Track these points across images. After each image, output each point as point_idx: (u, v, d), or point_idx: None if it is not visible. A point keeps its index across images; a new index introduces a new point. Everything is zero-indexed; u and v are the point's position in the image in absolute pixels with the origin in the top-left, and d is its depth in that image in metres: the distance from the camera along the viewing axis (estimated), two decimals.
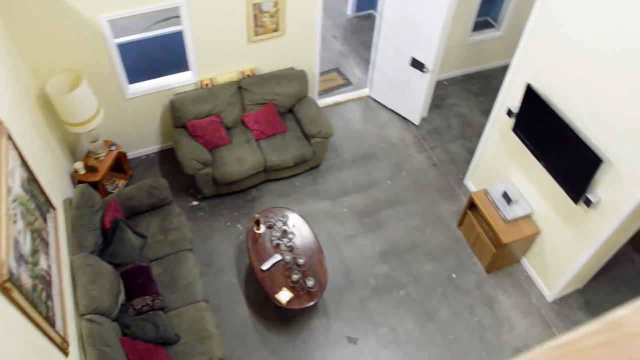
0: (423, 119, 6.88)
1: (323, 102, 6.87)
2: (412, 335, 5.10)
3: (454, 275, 5.51)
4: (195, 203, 5.86)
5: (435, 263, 5.59)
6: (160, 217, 5.26)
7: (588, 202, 4.46)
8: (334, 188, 6.11)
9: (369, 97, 7.04)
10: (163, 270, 5.00)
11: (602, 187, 4.34)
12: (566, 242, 4.97)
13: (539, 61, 4.67)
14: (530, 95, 4.75)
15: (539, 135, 4.81)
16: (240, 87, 5.85)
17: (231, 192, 5.89)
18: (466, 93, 7.33)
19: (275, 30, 5.67)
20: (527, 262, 5.61)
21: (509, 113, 5.13)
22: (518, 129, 5.05)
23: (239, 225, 5.72)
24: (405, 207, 6.00)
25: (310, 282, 4.83)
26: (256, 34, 5.61)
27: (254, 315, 5.15)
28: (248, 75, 5.89)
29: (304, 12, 5.69)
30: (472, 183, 6.12)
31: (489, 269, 5.51)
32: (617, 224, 4.34)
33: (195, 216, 5.76)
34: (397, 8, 5.98)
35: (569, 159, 4.51)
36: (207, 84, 5.76)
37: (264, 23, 5.54)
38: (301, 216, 5.32)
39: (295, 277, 4.85)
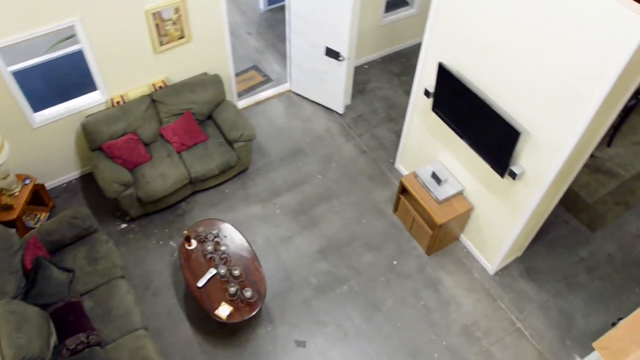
0: (347, 107, 6.79)
1: (244, 102, 6.69)
2: (360, 329, 5.04)
3: (395, 262, 5.47)
4: (124, 226, 5.62)
5: (375, 252, 5.53)
6: (86, 247, 5.03)
7: (513, 175, 4.47)
8: (265, 190, 5.97)
9: (290, 91, 6.90)
10: (95, 303, 4.78)
11: (525, 158, 4.35)
12: (499, 215, 4.98)
13: (448, 38, 4.63)
14: (443, 74, 4.71)
15: (458, 113, 4.78)
16: (153, 100, 5.62)
17: (160, 209, 5.69)
18: (388, 75, 7.26)
19: (181, 37, 5.45)
20: (465, 239, 5.61)
21: (427, 93, 5.06)
22: (437, 109, 5.01)
23: (172, 242, 5.52)
24: (339, 200, 5.92)
25: (248, 293, 4.70)
26: (161, 43, 5.38)
27: (198, 334, 4.99)
28: (160, 87, 5.65)
29: (208, 14, 5.48)
30: (403, 166, 6.07)
31: (429, 251, 5.48)
32: (543, 192, 4.38)
33: (126, 239, 5.53)
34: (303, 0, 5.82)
35: (489, 134, 4.49)
36: (118, 102, 5.50)
37: (167, 31, 5.31)
38: (233, 225, 5.18)
39: (232, 290, 4.72)
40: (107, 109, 5.48)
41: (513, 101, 4.20)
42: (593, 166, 6.08)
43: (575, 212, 5.84)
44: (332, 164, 6.23)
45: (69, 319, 4.61)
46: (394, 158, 6.27)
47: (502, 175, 4.57)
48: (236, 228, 5.50)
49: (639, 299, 5.28)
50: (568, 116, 3.77)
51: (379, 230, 5.71)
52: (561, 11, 3.47)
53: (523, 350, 4.96)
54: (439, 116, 5.00)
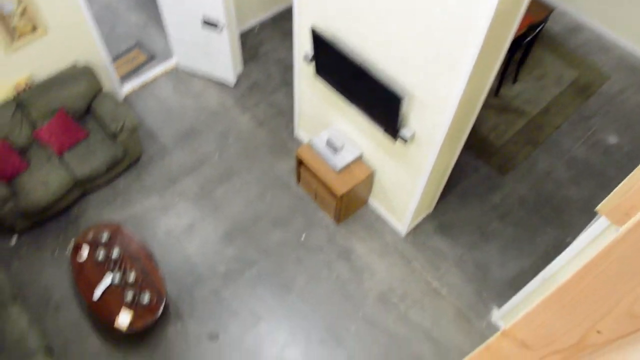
0: (240, 76, 6.37)
1: (129, 87, 6.23)
2: (275, 312, 4.89)
3: (303, 236, 5.24)
4: (14, 242, 5.24)
5: (283, 229, 5.30)
6: None
7: (404, 139, 4.19)
8: (161, 179, 5.63)
9: (177, 68, 6.37)
10: None
11: (414, 120, 4.18)
12: (400, 176, 4.78)
13: (318, 1, 4.19)
14: (317, 39, 4.35)
15: (340, 79, 4.50)
16: (19, 102, 5.10)
17: (49, 217, 5.29)
18: (280, 35, 6.80)
19: (34, 29, 4.89)
20: (374, 202, 5.39)
21: (308, 58, 4.67)
22: (320, 74, 4.64)
23: (68, 251, 5.15)
24: (241, 178, 5.62)
25: (146, 298, 4.43)
26: (13, 39, 4.83)
27: (106, 344, 4.78)
28: (25, 88, 5.12)
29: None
30: (303, 133, 5.73)
31: (338, 219, 5.28)
32: (437, 151, 4.22)
33: (19, 255, 5.19)
34: None
35: (373, 100, 4.27)
36: None
37: (16, 27, 4.75)
38: (130, 222, 4.87)
39: (129, 297, 4.44)
40: None
41: (392, 65, 3.97)
42: (500, 106, 5.86)
43: (485, 157, 5.64)
44: (230, 140, 5.87)
45: None
46: (293, 126, 5.89)
47: (394, 139, 4.29)
48: (131, 227, 5.19)
49: (550, 238, 5.20)
50: (446, 75, 3.57)
51: (285, 204, 5.44)
52: None
53: (441, 310, 4.86)
54: (324, 80, 4.64)
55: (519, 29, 5.39)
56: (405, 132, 4.23)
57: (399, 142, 4.47)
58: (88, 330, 4.84)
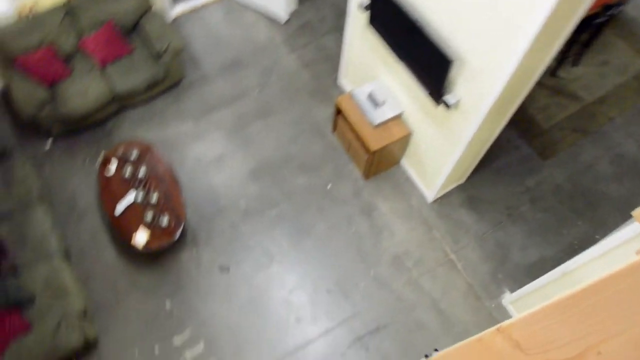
0: (293, 14, 6.19)
1: (180, 9, 6.16)
2: (288, 255, 4.92)
3: (329, 186, 5.19)
4: (48, 146, 5.36)
5: (310, 175, 5.25)
6: (0, 170, 4.75)
7: (447, 104, 4.05)
8: (199, 105, 5.61)
9: None
10: (10, 229, 4.66)
11: (460, 86, 4.03)
12: (437, 142, 4.67)
13: None
14: None
15: (393, 33, 4.34)
16: (69, 9, 5.10)
17: (86, 126, 5.38)
18: None
19: None
20: (406, 163, 5.28)
21: (363, 6, 4.49)
22: (374, 24, 4.47)
23: (97, 162, 5.23)
24: (277, 117, 5.55)
25: (164, 221, 4.48)
26: None
27: (121, 257, 4.90)
28: None
29: None
30: (347, 82, 5.60)
31: (367, 175, 5.20)
32: (480, 122, 4.07)
33: (51, 159, 5.30)
34: None
35: (423, 59, 4.13)
36: (27, 13, 4.96)
37: None
38: (163, 143, 4.89)
39: (149, 217, 4.50)
40: (16, 21, 4.99)
41: (448, 26, 3.77)
42: (555, 87, 5.60)
43: (528, 137, 5.44)
44: (272, 77, 5.79)
45: None
46: (338, 73, 5.74)
47: (436, 103, 4.16)
48: (162, 149, 5.21)
49: (579, 232, 5.03)
50: (503, 44, 3.36)
51: (316, 151, 5.38)
52: None
53: (453, 283, 4.81)
54: (377, 31, 4.47)
55: (592, 8, 5.07)
56: (449, 97, 4.08)
57: (441, 107, 4.32)
58: (106, 242, 4.96)
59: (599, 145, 5.46)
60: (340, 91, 5.72)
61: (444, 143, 4.57)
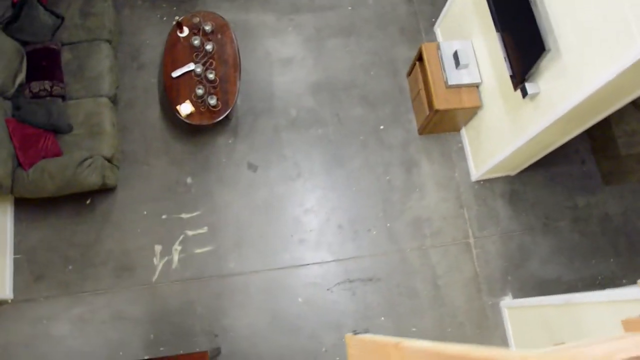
0: None
1: None
2: (317, 177, 4.94)
3: (382, 127, 5.06)
4: None
5: (368, 109, 5.13)
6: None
7: (524, 92, 3.78)
8: (287, 1, 5.44)
9: None
10: (73, 57, 4.82)
11: (545, 80, 3.76)
12: (501, 126, 4.44)
13: None
14: None
15: None
16: None
17: None
18: None
19: None
20: (465, 134, 5.06)
21: None
22: None
23: (173, 22, 5.22)
24: (358, 40, 5.36)
25: (212, 101, 4.51)
26: None
27: (164, 120, 5.01)
28: None
29: None
30: (441, 31, 5.31)
31: (422, 130, 5.05)
32: (548, 124, 3.79)
33: (133, 4, 5.38)
34: None
35: (519, 36, 3.80)
36: None
37: None
38: (240, 27, 4.81)
39: (199, 91, 4.53)
40: None
41: (560, 9, 3.41)
42: None
43: (599, 156, 5.08)
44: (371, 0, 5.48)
45: (42, 64, 4.65)
46: (437, 18, 5.41)
47: (514, 87, 3.89)
48: (239, 31, 5.15)
49: (608, 268, 4.81)
50: (607, 52, 3.06)
51: (384, 88, 5.21)
52: None
53: (461, 265, 4.73)
54: None
55: None
56: (530, 87, 3.81)
57: (518, 94, 4.04)
58: (155, 101, 5.06)
59: None
60: (431, 38, 5.43)
61: (507, 130, 4.33)
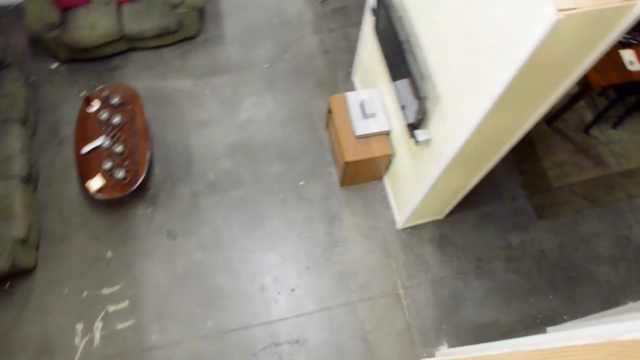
0: None
1: None
2: (235, 241, 4.87)
3: (301, 182, 5.00)
4: (54, 66, 5.47)
5: (287, 165, 5.09)
6: None
7: (415, 139, 3.74)
8: (204, 65, 5.54)
9: None
10: None
11: (434, 125, 3.73)
12: (408, 172, 4.38)
13: None
14: None
15: (388, 48, 3.95)
16: None
17: (93, 58, 5.42)
18: None
19: None
20: (387, 182, 4.97)
21: (373, 11, 4.14)
22: (376, 32, 4.14)
23: (82, 96, 5.32)
24: (275, 97, 5.38)
25: (120, 174, 4.50)
26: None
27: (83, 195, 5.03)
28: None
29: None
30: (358, 79, 5.29)
31: (343, 182, 5.01)
32: (442, 168, 3.69)
33: (52, 80, 5.45)
34: None
35: (405, 84, 3.72)
36: None
37: None
38: (153, 94, 4.80)
39: (107, 165, 4.52)
40: None
41: (433, 56, 3.44)
42: (581, 145, 5.04)
43: (531, 191, 4.96)
44: (287, 55, 5.58)
45: None
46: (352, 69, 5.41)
47: (410, 134, 3.83)
48: (156, 98, 5.23)
49: (547, 306, 4.61)
50: (471, 97, 3.04)
51: (302, 142, 5.19)
52: None
53: (391, 319, 4.57)
54: (378, 41, 4.14)
55: None
56: (420, 133, 3.76)
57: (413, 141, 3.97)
58: (73, 176, 5.11)
59: (605, 220, 4.87)
60: (349, 87, 5.43)
61: (413, 176, 4.25)
